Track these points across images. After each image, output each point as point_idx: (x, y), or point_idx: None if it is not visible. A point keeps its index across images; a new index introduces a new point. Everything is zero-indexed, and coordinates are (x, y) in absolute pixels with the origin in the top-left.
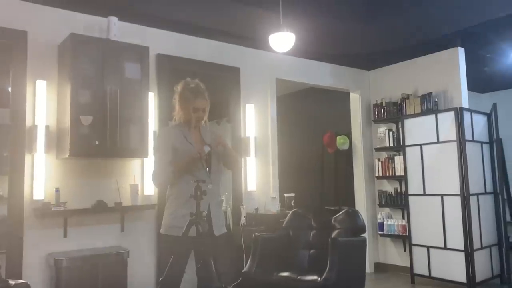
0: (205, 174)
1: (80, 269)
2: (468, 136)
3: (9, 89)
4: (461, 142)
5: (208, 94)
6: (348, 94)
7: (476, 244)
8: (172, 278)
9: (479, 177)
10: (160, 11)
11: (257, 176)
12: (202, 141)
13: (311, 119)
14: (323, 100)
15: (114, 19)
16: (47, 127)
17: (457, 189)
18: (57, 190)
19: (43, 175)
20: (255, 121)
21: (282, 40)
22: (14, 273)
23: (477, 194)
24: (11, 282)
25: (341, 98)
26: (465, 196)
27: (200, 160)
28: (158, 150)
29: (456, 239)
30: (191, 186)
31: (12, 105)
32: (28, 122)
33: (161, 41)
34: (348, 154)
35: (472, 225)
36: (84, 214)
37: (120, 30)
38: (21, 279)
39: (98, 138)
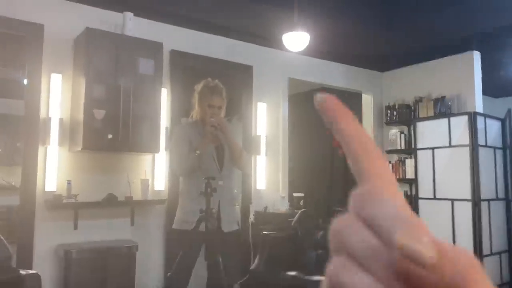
0: (216, 171)
1: (89, 261)
2: (481, 141)
3: (25, 81)
4: (474, 147)
5: (231, 99)
6: (360, 95)
7: (486, 250)
8: (180, 273)
9: (491, 182)
10: (175, 8)
11: (267, 175)
12: (217, 138)
13: (322, 120)
14: None
15: (129, 15)
16: (61, 120)
17: (468, 194)
18: (69, 182)
19: (55, 167)
20: (266, 120)
21: (296, 40)
22: (24, 263)
23: (489, 200)
24: (22, 272)
25: (353, 99)
26: (476, 201)
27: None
28: (176, 143)
29: (466, 245)
30: (202, 183)
31: (27, 97)
32: (42, 115)
33: (175, 37)
34: None
35: (483, 231)
36: (94, 207)
37: (135, 25)
38: (31, 269)
39: (111, 132)
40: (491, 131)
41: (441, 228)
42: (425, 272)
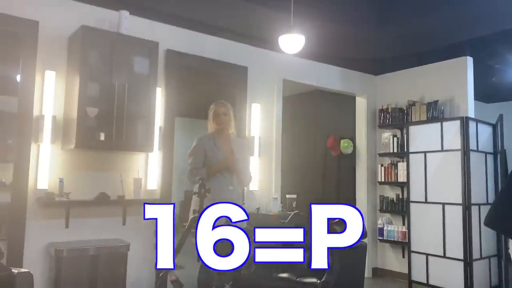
0: None
1: (80, 260)
2: (472, 146)
3: (18, 78)
4: (466, 151)
5: (225, 100)
6: (354, 98)
7: (476, 254)
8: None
9: (482, 187)
10: (171, 7)
11: (260, 176)
12: (231, 150)
13: (316, 121)
14: (328, 102)
15: (125, 13)
16: (54, 117)
17: (459, 199)
18: (61, 180)
19: (47, 165)
20: (260, 121)
21: (292, 41)
22: (14, 261)
23: (479, 204)
24: (14, 270)
25: (346, 102)
26: (466, 205)
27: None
28: (193, 154)
29: (456, 248)
30: (196, 183)
31: (20, 94)
32: (36, 112)
33: (170, 37)
34: (351, 158)
35: (473, 235)
36: (86, 206)
37: (130, 24)
38: (21, 267)
39: (104, 130)
40: (483, 136)
41: (432, 232)
42: None
